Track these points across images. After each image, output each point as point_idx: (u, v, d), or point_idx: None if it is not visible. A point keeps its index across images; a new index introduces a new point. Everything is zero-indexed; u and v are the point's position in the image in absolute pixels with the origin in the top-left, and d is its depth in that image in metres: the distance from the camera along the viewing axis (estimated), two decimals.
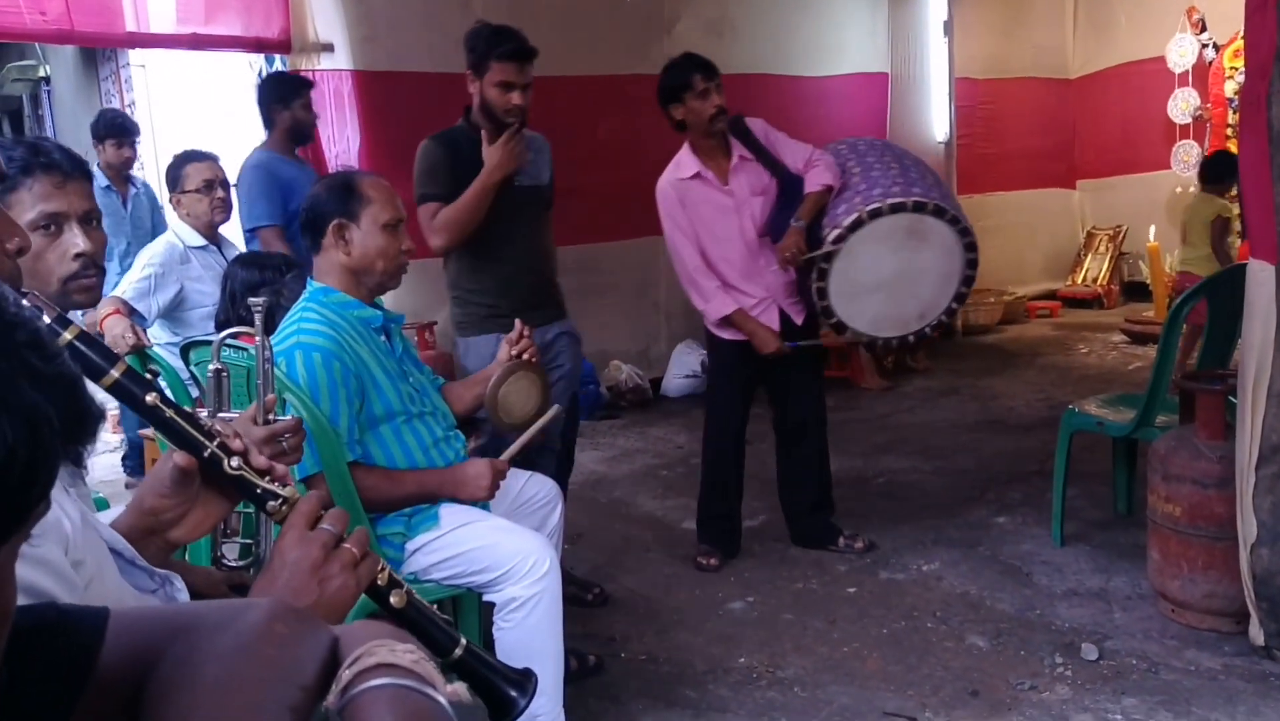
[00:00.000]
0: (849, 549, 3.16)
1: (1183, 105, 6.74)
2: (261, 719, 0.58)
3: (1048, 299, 7.49)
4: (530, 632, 1.94)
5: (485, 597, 2.01)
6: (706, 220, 2.95)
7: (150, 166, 6.18)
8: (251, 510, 1.30)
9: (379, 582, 0.92)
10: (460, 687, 0.67)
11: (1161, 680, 2.32)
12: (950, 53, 6.84)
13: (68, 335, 0.89)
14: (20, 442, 0.45)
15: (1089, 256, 7.69)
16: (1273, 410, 2.22)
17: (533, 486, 2.30)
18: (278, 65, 4.95)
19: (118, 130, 4.23)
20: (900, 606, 2.80)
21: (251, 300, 1.40)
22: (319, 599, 0.88)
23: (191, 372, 2.69)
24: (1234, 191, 6.05)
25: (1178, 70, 6.76)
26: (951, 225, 2.91)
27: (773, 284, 2.98)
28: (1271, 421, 2.23)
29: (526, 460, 2.56)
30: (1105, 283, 7.45)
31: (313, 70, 4.31)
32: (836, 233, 2.83)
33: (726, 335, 3.02)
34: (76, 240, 1.39)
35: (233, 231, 3.55)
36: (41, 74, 8.99)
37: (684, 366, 5.45)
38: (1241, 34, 2.99)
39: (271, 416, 1.36)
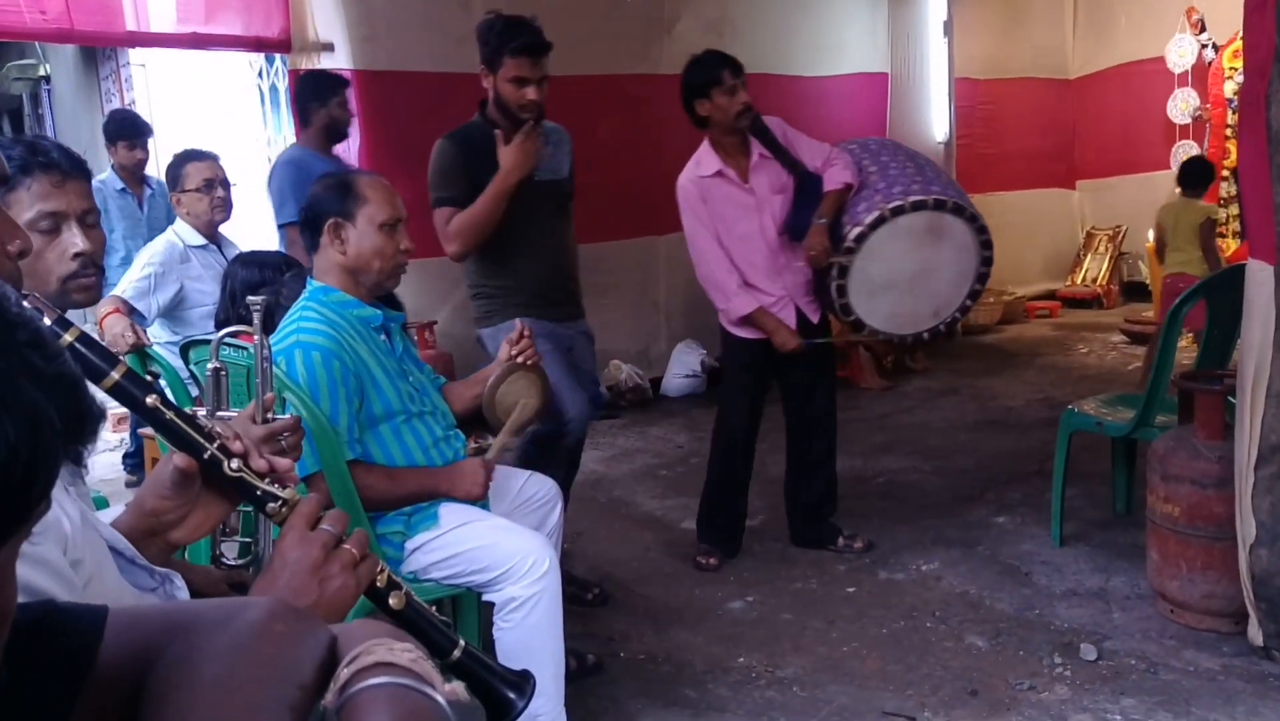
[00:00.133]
0: (848, 549, 3.16)
1: (1182, 105, 6.74)
2: (260, 717, 0.58)
3: (1047, 299, 7.50)
4: (530, 632, 1.94)
5: (485, 597, 2.01)
6: (728, 218, 2.93)
7: (151, 166, 6.17)
8: (251, 508, 1.31)
9: (378, 584, 0.93)
10: (458, 686, 0.67)
11: (1160, 680, 2.32)
12: (950, 53, 6.84)
13: (68, 337, 0.89)
14: (22, 442, 0.46)
15: (1088, 256, 7.69)
16: (1272, 410, 2.23)
17: (532, 486, 2.30)
18: (278, 65, 4.96)
19: (130, 131, 4.19)
20: (899, 606, 2.80)
21: (250, 299, 1.40)
22: (319, 599, 0.88)
23: (191, 372, 2.69)
24: (1228, 195, 6.10)
25: (1177, 70, 6.77)
26: (970, 223, 2.95)
27: (790, 282, 2.99)
28: (1270, 421, 2.23)
29: (534, 461, 2.57)
30: (1105, 283, 7.46)
31: (313, 70, 4.31)
32: (859, 230, 2.85)
33: (743, 333, 3.00)
34: (75, 239, 1.39)
35: (232, 230, 3.55)
36: (42, 73, 8.99)
37: (684, 366, 5.46)
38: (1241, 34, 2.99)
39: (270, 415, 1.36)
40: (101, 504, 1.50)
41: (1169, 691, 2.27)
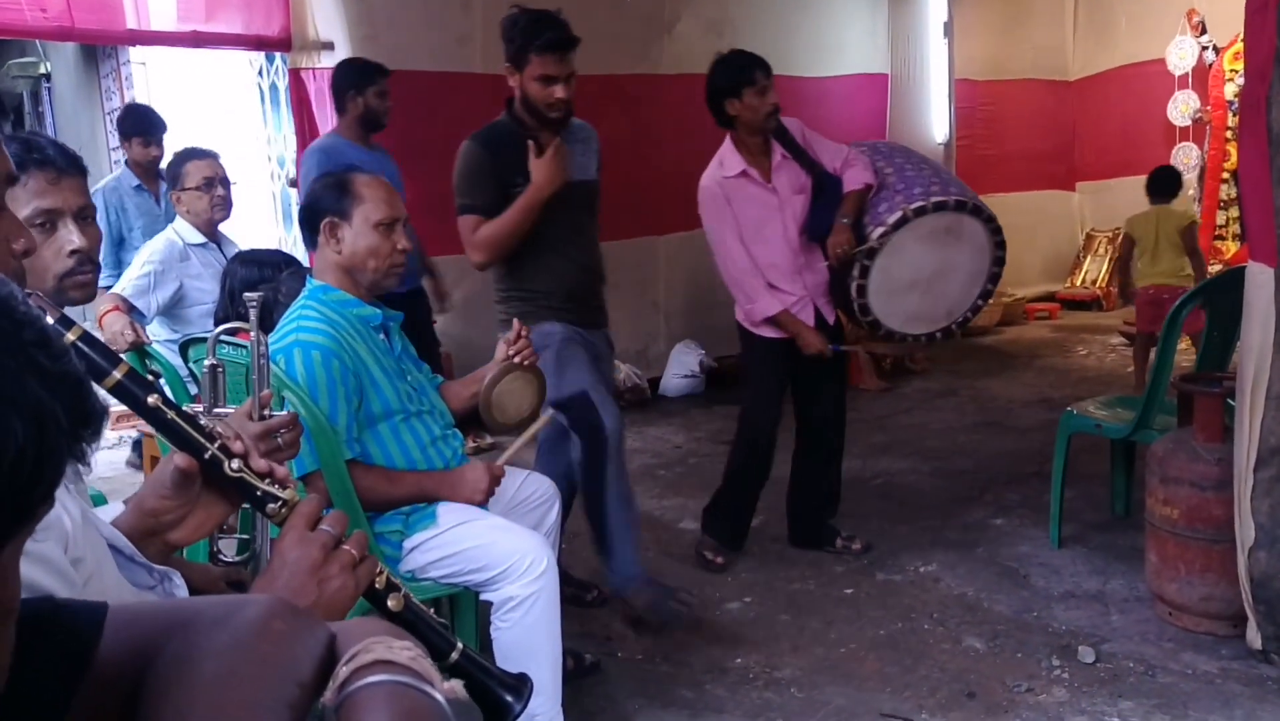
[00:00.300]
0: (846, 550, 3.16)
1: (1182, 108, 6.75)
2: (258, 715, 0.58)
3: (1047, 301, 7.50)
4: (528, 632, 1.94)
5: (482, 597, 2.01)
6: (752, 218, 2.92)
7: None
8: (248, 506, 1.30)
9: (377, 585, 0.93)
10: (457, 685, 0.67)
11: (1158, 683, 2.32)
12: (950, 54, 6.84)
13: (71, 335, 0.89)
14: (29, 441, 0.46)
15: (1088, 258, 7.70)
16: (1271, 413, 2.23)
17: (530, 485, 2.30)
18: (278, 63, 4.96)
19: (145, 127, 4.08)
20: (897, 607, 2.80)
21: (246, 295, 1.40)
22: (318, 599, 0.88)
23: (190, 370, 2.69)
24: (1228, 197, 6.10)
25: (1177, 72, 6.77)
26: (986, 224, 2.99)
27: (810, 282, 2.99)
28: (1270, 424, 2.23)
29: (584, 482, 2.57)
30: (1104, 285, 7.46)
31: (312, 68, 4.31)
32: (882, 230, 2.86)
33: (766, 333, 2.99)
34: (72, 237, 1.39)
35: (232, 228, 3.55)
36: (42, 71, 8.98)
37: (682, 366, 5.45)
38: (1241, 37, 2.99)
39: (267, 412, 1.36)
40: (99, 500, 1.49)
41: (1167, 694, 2.27)
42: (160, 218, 4.05)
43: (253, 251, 2.93)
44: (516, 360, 2.17)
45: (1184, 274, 4.91)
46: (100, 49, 7.17)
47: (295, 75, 4.31)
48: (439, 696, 0.63)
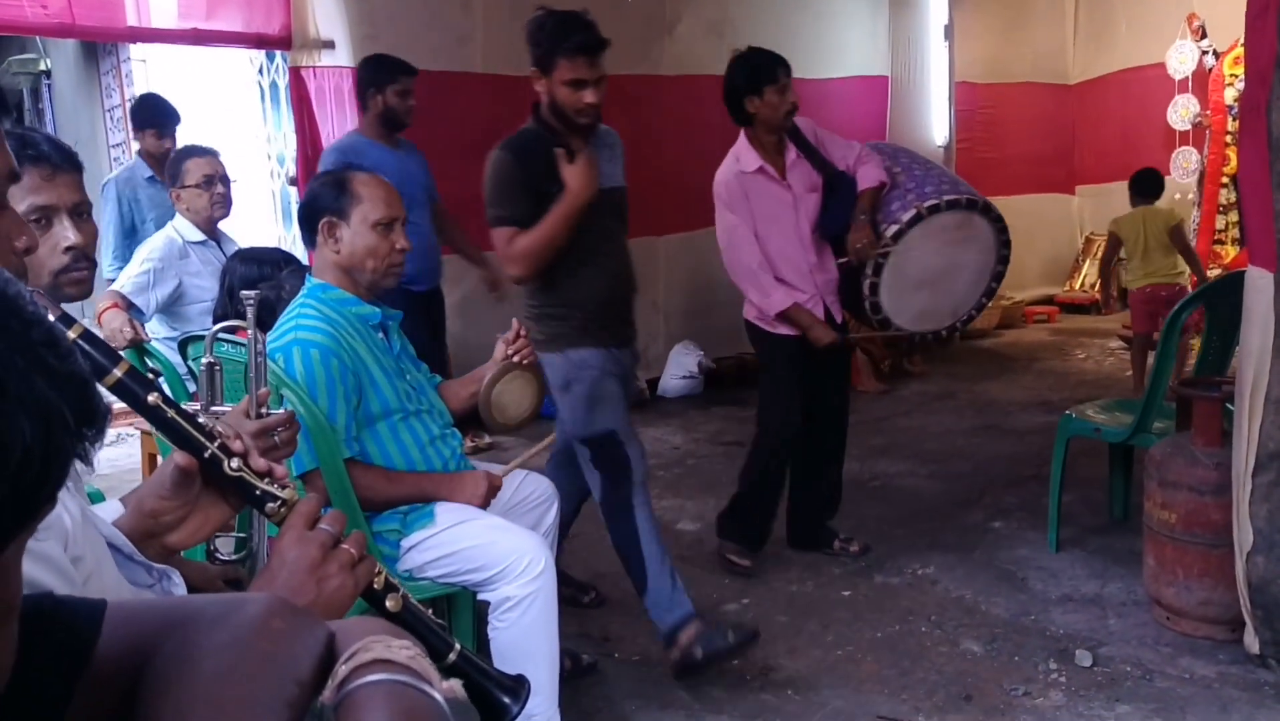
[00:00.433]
0: (844, 552, 3.16)
1: (1182, 112, 6.75)
2: (257, 713, 0.58)
3: (1045, 304, 7.51)
4: (525, 632, 1.94)
5: (480, 596, 2.01)
6: (768, 215, 2.91)
7: None
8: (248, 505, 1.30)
9: (375, 585, 0.93)
10: (456, 684, 0.67)
11: (1156, 687, 2.32)
12: (950, 57, 6.85)
13: (71, 333, 0.88)
14: (37, 440, 0.46)
15: (1087, 262, 7.70)
16: (1270, 417, 2.23)
17: (529, 485, 2.30)
18: (278, 62, 4.96)
19: (159, 119, 3.98)
20: (895, 610, 2.80)
21: (243, 293, 1.40)
22: (316, 598, 0.88)
23: (189, 368, 2.69)
24: (1228, 201, 6.11)
25: (1178, 77, 6.77)
26: (994, 224, 3.01)
27: (820, 280, 2.98)
28: (1269, 429, 2.23)
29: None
30: (1102, 288, 7.47)
31: (313, 67, 4.31)
32: (896, 228, 2.87)
33: (781, 330, 2.96)
34: (67, 233, 1.38)
35: (232, 226, 3.55)
36: (42, 67, 8.98)
37: (681, 367, 5.45)
38: (1242, 41, 3.00)
39: (264, 410, 1.35)
40: (97, 498, 1.49)
41: (1164, 698, 2.27)
42: (173, 210, 4.04)
43: (252, 249, 2.93)
44: (515, 359, 2.17)
45: (1175, 272, 4.94)
46: (100, 46, 7.17)
47: (295, 73, 4.30)
48: (438, 696, 0.63)
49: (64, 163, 1.38)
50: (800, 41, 5.92)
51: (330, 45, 4.33)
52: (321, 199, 2.05)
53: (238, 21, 4.12)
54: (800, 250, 2.94)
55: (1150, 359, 4.85)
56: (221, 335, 1.96)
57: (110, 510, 1.09)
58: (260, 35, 4.21)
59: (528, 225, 2.37)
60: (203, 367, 1.35)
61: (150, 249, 3.21)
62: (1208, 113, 6.43)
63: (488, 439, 4.48)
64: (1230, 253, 6.13)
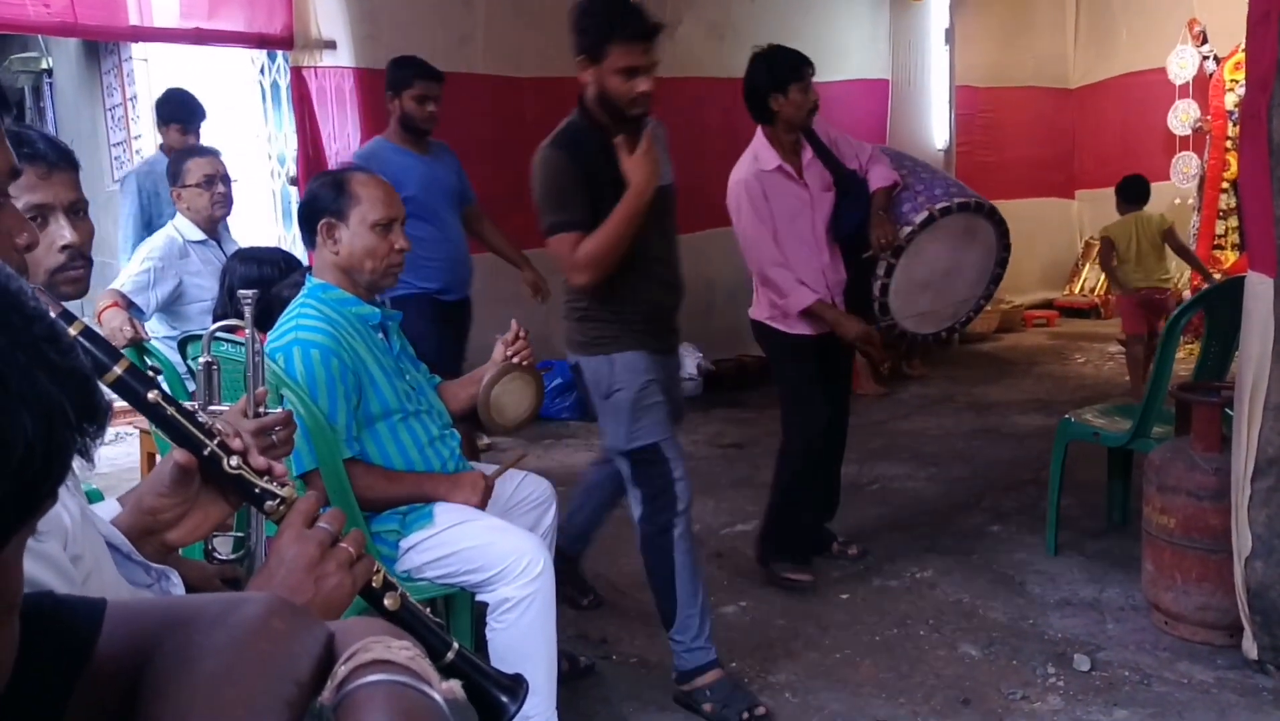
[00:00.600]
0: (842, 555, 3.16)
1: (1183, 117, 6.76)
2: (256, 713, 0.58)
3: (1045, 308, 7.52)
4: (523, 633, 1.94)
5: (478, 597, 2.01)
6: (786, 214, 2.88)
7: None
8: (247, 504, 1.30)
9: (373, 584, 0.93)
10: (455, 685, 0.67)
11: (1154, 692, 2.32)
12: (951, 60, 6.86)
13: (72, 330, 0.88)
14: (38, 436, 0.46)
15: (1087, 266, 7.71)
16: (1269, 423, 2.23)
17: (527, 486, 2.30)
18: (279, 62, 4.96)
19: (184, 114, 3.86)
20: (893, 613, 2.80)
21: (241, 292, 1.40)
22: (314, 597, 0.88)
23: (189, 367, 2.69)
24: (1228, 207, 6.11)
25: (1178, 82, 6.78)
26: (997, 227, 3.03)
27: (832, 281, 2.96)
28: (1268, 434, 2.23)
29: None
30: (1102, 293, 7.48)
31: (314, 67, 4.31)
32: (910, 229, 2.88)
33: (798, 331, 2.91)
34: (63, 232, 1.38)
35: (233, 226, 3.55)
36: (44, 66, 8.98)
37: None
38: (1242, 47, 3.00)
39: (262, 409, 1.35)
40: (96, 497, 1.49)
41: (1162, 703, 2.27)
42: None
43: (252, 249, 2.93)
44: (515, 360, 2.17)
45: (1165, 277, 5.07)
46: (102, 45, 7.17)
47: (297, 73, 4.31)
48: (437, 696, 0.63)
49: (60, 161, 1.38)
50: (801, 44, 5.86)
51: (332, 45, 4.33)
52: (320, 199, 2.05)
53: (239, 21, 4.12)
54: (815, 250, 2.92)
55: (1142, 360, 4.97)
56: (221, 335, 1.97)
57: (108, 509, 1.09)
58: (262, 35, 4.22)
59: (590, 228, 2.21)
60: (200, 367, 1.35)
61: (150, 248, 3.21)
62: (1208, 118, 6.44)
63: (486, 439, 4.48)
64: (1230, 258, 6.13)
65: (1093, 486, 3.43)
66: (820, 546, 3.18)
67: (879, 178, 2.95)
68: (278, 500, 0.96)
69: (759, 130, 2.93)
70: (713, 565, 3.15)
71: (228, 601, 0.65)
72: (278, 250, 2.93)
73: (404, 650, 0.64)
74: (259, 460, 0.99)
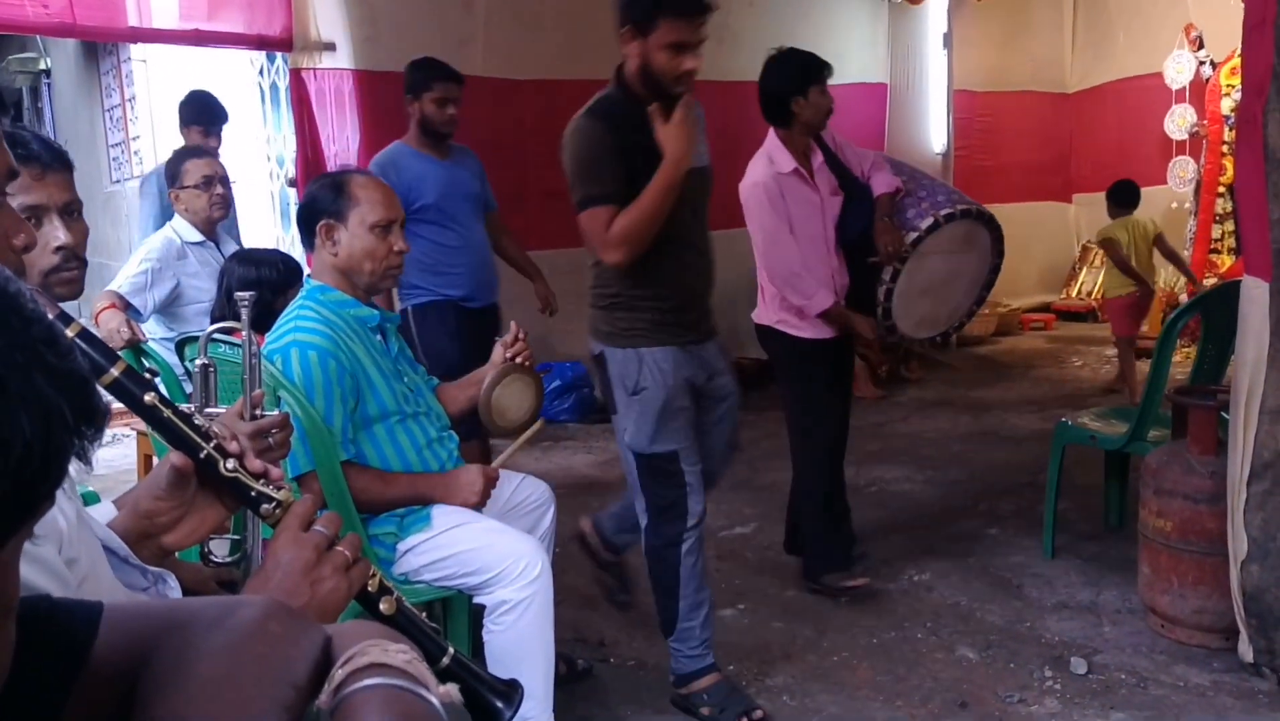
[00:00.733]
0: (864, 557, 3.14)
1: (1179, 121, 6.77)
2: (253, 716, 0.58)
3: (1042, 311, 7.53)
4: (520, 636, 1.94)
5: (476, 600, 2.01)
6: (800, 218, 2.85)
7: (150, 161, 6.17)
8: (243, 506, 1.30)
9: (369, 588, 0.93)
10: (452, 689, 0.67)
11: (1150, 695, 2.33)
12: (949, 65, 6.87)
13: (69, 332, 0.88)
14: (36, 437, 0.46)
15: (1084, 270, 7.72)
16: (1265, 426, 2.23)
17: (525, 489, 2.30)
18: (279, 63, 4.96)
19: (206, 117, 3.82)
20: (890, 616, 2.80)
21: (238, 294, 1.40)
22: (310, 600, 0.88)
23: (186, 368, 2.69)
24: (1224, 211, 6.14)
25: (1175, 86, 6.80)
26: (993, 234, 3.05)
27: (838, 285, 2.94)
28: (1263, 438, 2.24)
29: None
30: (1099, 296, 7.49)
31: (313, 69, 4.32)
32: (916, 235, 2.89)
33: (809, 334, 2.87)
34: (57, 233, 1.38)
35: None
36: (42, 67, 8.98)
37: None
38: (1238, 52, 3.01)
39: (258, 411, 1.35)
40: (92, 499, 1.49)
41: (1159, 706, 2.28)
42: None
43: (251, 251, 2.93)
44: (515, 361, 2.17)
45: (1153, 281, 5.24)
46: (101, 46, 7.17)
47: (296, 75, 4.31)
48: (434, 700, 0.63)
49: (54, 162, 1.38)
50: (799, 47, 5.94)
51: (331, 47, 4.34)
52: (320, 201, 2.05)
53: (239, 23, 4.12)
54: (825, 254, 2.90)
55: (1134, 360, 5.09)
56: (218, 336, 1.97)
57: (104, 512, 1.09)
58: (261, 36, 4.22)
59: (624, 204, 2.10)
60: (197, 369, 1.35)
61: (148, 249, 3.21)
62: (1204, 122, 6.45)
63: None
64: (1226, 262, 6.15)
65: (1090, 489, 3.43)
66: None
67: (882, 184, 2.94)
68: (274, 503, 0.96)
69: (771, 133, 2.89)
70: (710, 567, 3.15)
71: (225, 604, 0.65)
72: (276, 252, 2.93)
73: (401, 654, 0.64)
74: (255, 463, 0.99)
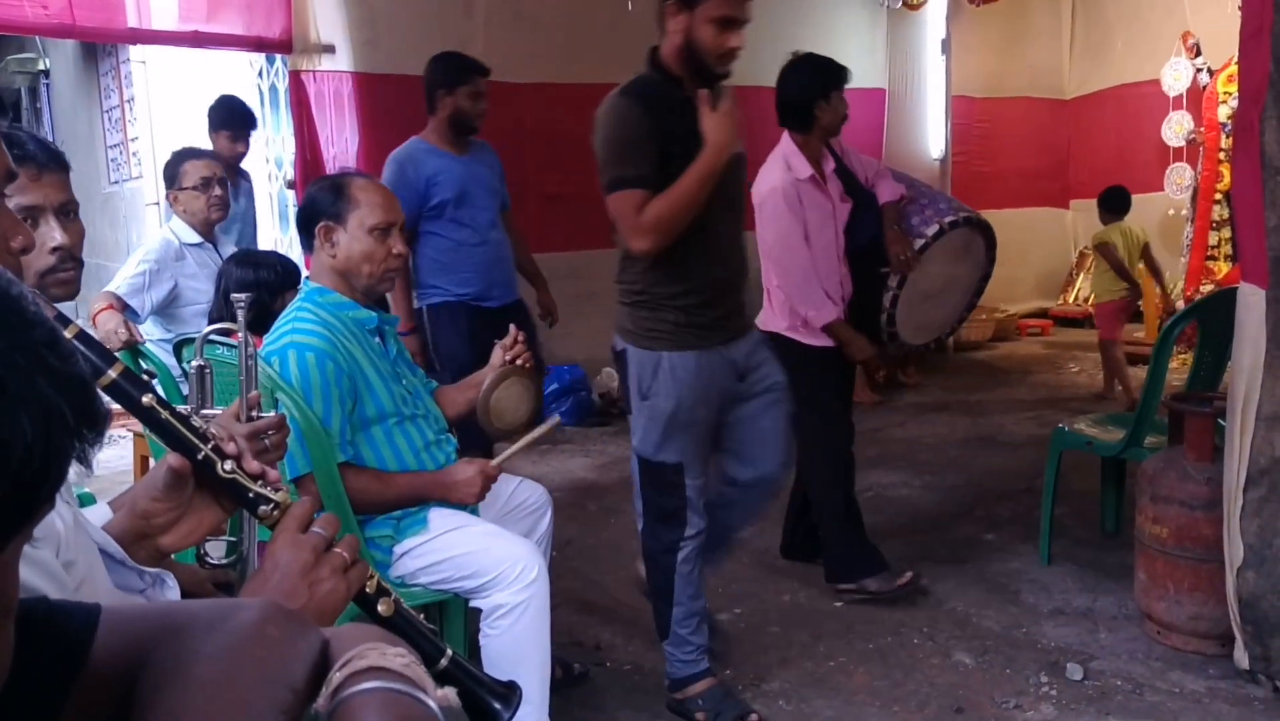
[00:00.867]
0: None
1: (1176, 128, 6.79)
2: (251, 719, 0.58)
3: (1039, 317, 7.54)
4: (517, 639, 1.94)
5: (472, 603, 2.01)
6: (814, 225, 2.83)
7: (148, 162, 6.17)
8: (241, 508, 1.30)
9: (367, 590, 0.92)
10: (450, 692, 0.67)
11: (1146, 701, 2.33)
12: (948, 70, 6.89)
13: (67, 333, 0.88)
14: (37, 439, 0.46)
15: (1081, 276, 7.73)
16: (1261, 433, 2.24)
17: (523, 492, 2.30)
18: (278, 65, 4.96)
19: (235, 122, 3.79)
20: (887, 621, 2.80)
21: (234, 296, 1.40)
22: (308, 602, 0.88)
23: (184, 370, 2.68)
24: (1220, 218, 6.16)
25: (1172, 94, 6.82)
26: (988, 242, 3.08)
27: (845, 293, 2.95)
28: (1260, 444, 2.24)
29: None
30: (1094, 301, 7.51)
31: (313, 71, 4.32)
32: (922, 241, 2.91)
33: (820, 342, 2.86)
34: (54, 233, 1.38)
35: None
36: (41, 67, 8.98)
37: None
38: (1236, 60, 3.02)
39: (255, 413, 1.35)
40: (88, 501, 1.49)
41: (1154, 713, 2.28)
42: (236, 215, 3.76)
43: (248, 252, 2.93)
44: (515, 363, 2.17)
45: (1139, 286, 5.31)
46: (100, 47, 7.17)
47: (295, 77, 4.31)
48: (432, 703, 0.63)
49: (50, 162, 1.38)
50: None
51: (330, 49, 4.34)
52: (319, 203, 2.05)
53: (238, 24, 4.13)
54: (835, 262, 2.88)
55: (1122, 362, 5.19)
56: (215, 338, 1.97)
57: (100, 514, 1.08)
58: (260, 38, 4.22)
59: (657, 188, 2.02)
60: (193, 370, 1.35)
61: (146, 250, 3.21)
62: (1202, 129, 6.47)
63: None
64: (1223, 269, 6.17)
65: (1086, 495, 3.44)
66: (815, 554, 3.14)
67: (887, 191, 2.94)
68: (271, 505, 0.96)
69: (786, 138, 2.86)
70: (705, 571, 3.14)
71: (223, 607, 0.65)
72: (274, 254, 2.93)
73: (399, 657, 0.64)
74: (253, 464, 0.99)
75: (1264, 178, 2.18)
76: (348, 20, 4.34)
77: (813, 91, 2.82)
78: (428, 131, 3.35)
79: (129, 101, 6.88)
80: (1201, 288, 6.18)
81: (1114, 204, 5.29)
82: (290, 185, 4.94)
